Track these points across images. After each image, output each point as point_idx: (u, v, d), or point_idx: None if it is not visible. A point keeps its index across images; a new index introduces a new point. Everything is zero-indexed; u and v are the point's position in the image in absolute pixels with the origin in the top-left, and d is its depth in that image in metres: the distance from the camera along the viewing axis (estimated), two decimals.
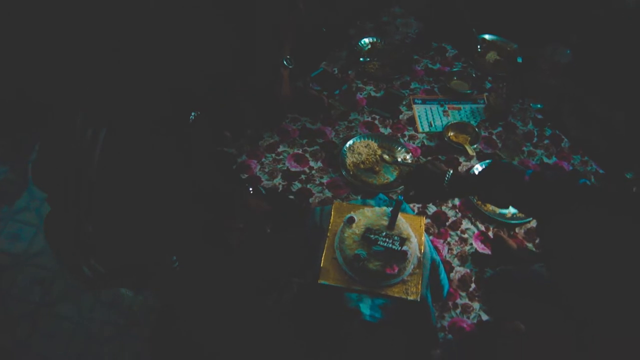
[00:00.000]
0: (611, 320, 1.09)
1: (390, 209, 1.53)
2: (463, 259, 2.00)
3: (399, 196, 1.48)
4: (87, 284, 1.25)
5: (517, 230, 2.09)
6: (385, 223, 1.51)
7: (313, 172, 2.21)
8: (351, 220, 1.53)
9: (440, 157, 2.29)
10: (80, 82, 1.14)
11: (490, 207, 2.13)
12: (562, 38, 2.39)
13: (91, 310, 1.89)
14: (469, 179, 1.42)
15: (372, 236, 1.47)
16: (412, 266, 1.49)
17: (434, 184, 1.43)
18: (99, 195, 1.16)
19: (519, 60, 2.63)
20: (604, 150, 2.32)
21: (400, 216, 1.54)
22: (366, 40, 2.75)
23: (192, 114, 1.42)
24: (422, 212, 2.11)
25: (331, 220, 1.59)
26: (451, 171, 1.43)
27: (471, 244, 2.04)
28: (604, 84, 2.45)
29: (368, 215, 1.55)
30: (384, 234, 1.48)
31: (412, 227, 1.56)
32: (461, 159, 2.28)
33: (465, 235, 2.06)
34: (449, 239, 2.05)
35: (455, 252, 2.02)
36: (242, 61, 1.86)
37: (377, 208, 1.59)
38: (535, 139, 2.41)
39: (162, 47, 1.20)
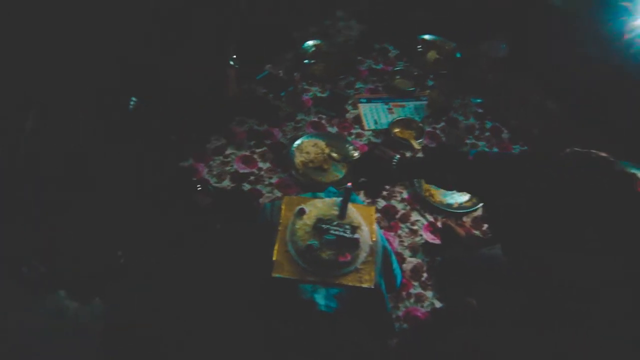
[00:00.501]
0: (565, 289, 1.13)
1: (341, 198, 1.54)
2: (414, 249, 2.04)
3: (348, 184, 1.49)
4: (27, 286, 1.19)
5: (464, 219, 2.14)
6: (336, 213, 1.52)
7: (262, 173, 2.20)
8: (302, 212, 1.53)
9: None
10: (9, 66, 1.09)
11: (438, 198, 2.18)
12: (497, 34, 2.49)
13: (33, 320, 1.79)
14: (415, 162, 1.45)
15: (323, 226, 1.47)
16: (365, 254, 1.50)
17: (383, 168, 1.45)
18: (37, 188, 1.12)
19: (458, 55, 2.72)
20: (539, 135, 2.42)
21: (351, 206, 1.55)
22: (310, 42, 2.78)
23: (132, 100, 1.39)
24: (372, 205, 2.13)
25: (282, 214, 1.58)
26: (398, 155, 1.46)
27: (421, 235, 2.08)
28: (537, 75, 2.57)
29: (319, 205, 1.55)
30: (335, 223, 1.49)
31: (362, 217, 1.57)
32: (407, 154, 2.32)
33: (415, 227, 2.10)
34: (399, 232, 2.08)
35: (406, 244, 2.05)
36: (178, 59, 1.83)
37: (327, 199, 1.59)
38: (477, 132, 2.49)
39: (86, 35, 1.16)
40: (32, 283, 1.15)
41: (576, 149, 1.05)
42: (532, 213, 1.14)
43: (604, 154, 1.04)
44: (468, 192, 2.05)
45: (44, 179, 1.15)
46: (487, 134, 2.49)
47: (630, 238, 1.05)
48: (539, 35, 2.53)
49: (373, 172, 1.50)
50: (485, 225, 2.12)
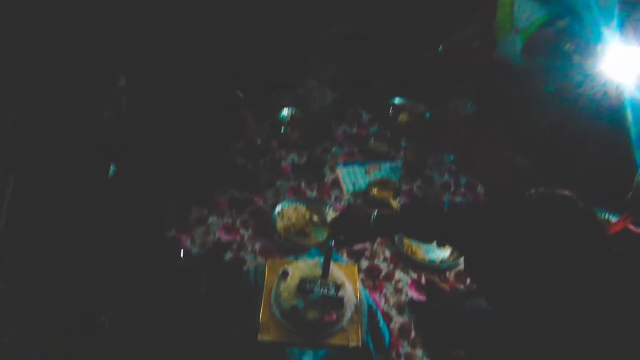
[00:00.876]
0: (553, 331, 1.15)
1: (323, 258, 1.56)
2: (400, 308, 2.03)
3: (330, 242, 1.52)
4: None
5: (447, 274, 2.16)
6: (320, 273, 1.54)
7: (245, 240, 2.22)
8: (286, 274, 1.54)
9: None
10: None
11: (421, 256, 2.20)
12: (463, 93, 2.62)
13: None
14: (392, 217, 1.49)
15: (307, 286, 1.49)
16: (350, 313, 1.51)
17: (361, 225, 1.49)
18: (11, 250, 1.12)
19: (428, 116, 2.84)
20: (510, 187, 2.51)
21: (333, 265, 1.57)
22: (286, 111, 2.88)
23: (112, 168, 1.42)
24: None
25: (266, 278, 1.60)
26: (376, 211, 1.50)
27: (406, 294, 2.08)
28: (505, 132, 2.69)
29: (302, 267, 1.57)
30: (319, 283, 1.50)
31: (346, 276, 1.59)
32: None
33: (400, 286, 2.11)
34: (384, 291, 2.09)
35: (392, 303, 2.05)
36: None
37: (310, 260, 1.62)
38: (453, 189, 2.56)
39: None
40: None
41: (541, 189, 1.10)
42: (505, 261, 1.18)
43: (567, 193, 1.09)
44: (446, 244, 2.08)
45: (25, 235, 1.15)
46: (463, 189, 2.56)
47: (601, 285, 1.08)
48: (501, 94, 2.67)
49: (352, 230, 1.53)
50: (469, 280, 2.14)
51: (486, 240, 1.21)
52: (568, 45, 2.74)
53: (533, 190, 1.13)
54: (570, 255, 1.08)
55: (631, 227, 2.06)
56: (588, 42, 2.64)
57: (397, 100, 3.00)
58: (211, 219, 2.29)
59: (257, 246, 2.19)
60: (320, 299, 1.46)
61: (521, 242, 1.09)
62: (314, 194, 2.46)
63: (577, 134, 2.45)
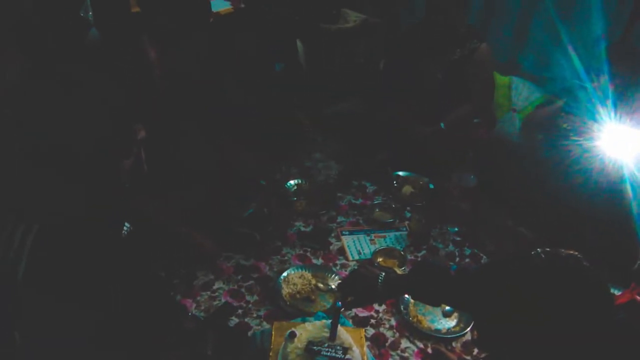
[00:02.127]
0: None
1: (330, 320, 1.56)
2: None
3: (337, 303, 1.53)
4: None
5: (453, 344, 2.14)
6: (327, 334, 1.53)
7: (250, 305, 2.21)
8: (292, 335, 1.54)
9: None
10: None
11: (426, 324, 2.18)
12: (465, 167, 2.70)
13: None
14: (400, 279, 1.51)
15: (315, 347, 1.48)
16: None
17: (369, 286, 1.50)
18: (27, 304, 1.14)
19: (431, 187, 2.91)
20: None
21: (340, 328, 1.57)
22: (292, 182, 2.96)
23: (126, 226, 1.45)
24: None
25: (272, 340, 1.59)
26: (383, 273, 1.52)
27: None
28: (507, 203, 2.75)
29: (309, 328, 1.57)
30: (327, 345, 1.50)
31: (352, 339, 1.59)
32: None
33: (406, 354, 2.08)
34: (390, 359, 2.06)
35: None
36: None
37: (317, 321, 1.62)
38: (457, 259, 2.58)
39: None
40: None
41: (546, 249, 1.13)
42: (512, 324, 1.18)
43: (572, 252, 1.12)
44: (453, 307, 2.07)
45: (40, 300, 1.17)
46: (467, 260, 2.57)
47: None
48: (502, 168, 2.76)
49: (360, 290, 1.54)
50: (476, 350, 2.11)
51: (491, 300, 1.22)
52: (565, 124, 2.85)
53: (538, 250, 1.15)
54: (575, 314, 1.09)
55: (638, 298, 2.07)
56: (584, 120, 2.75)
57: (401, 173, 3.08)
58: (217, 284, 2.30)
59: (263, 312, 2.18)
60: None
61: (526, 301, 1.11)
62: (320, 261, 2.48)
63: (577, 207, 2.50)
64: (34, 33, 2.23)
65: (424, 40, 3.05)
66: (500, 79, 3.59)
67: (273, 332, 1.62)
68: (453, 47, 3.00)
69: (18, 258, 1.12)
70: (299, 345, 1.51)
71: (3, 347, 1.15)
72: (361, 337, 1.63)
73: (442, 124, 3.11)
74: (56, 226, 1.22)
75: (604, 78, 2.59)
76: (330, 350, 1.48)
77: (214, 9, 3.56)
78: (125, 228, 1.45)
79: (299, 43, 3.34)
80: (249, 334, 2.03)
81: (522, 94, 3.57)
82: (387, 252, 2.52)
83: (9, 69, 2.10)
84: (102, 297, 1.34)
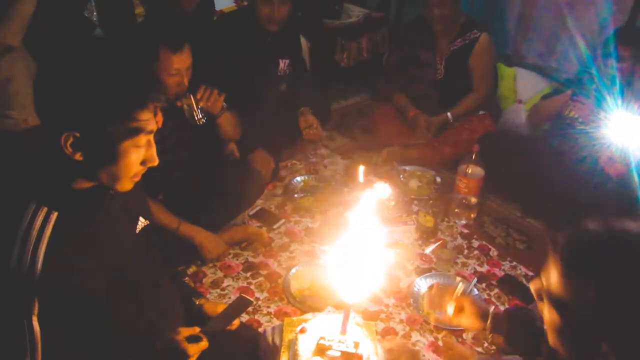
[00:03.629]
0: None
1: (341, 315, 1.56)
2: None
3: (348, 300, 1.53)
4: None
5: (464, 336, 2.14)
6: (338, 329, 1.53)
7: (260, 302, 2.22)
8: (303, 330, 1.54)
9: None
10: None
11: (436, 316, 2.18)
12: (473, 159, 2.69)
13: None
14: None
15: (326, 342, 1.48)
16: None
17: None
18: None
19: (438, 180, 2.90)
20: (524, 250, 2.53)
21: (351, 322, 1.57)
22: (298, 178, 2.97)
23: (140, 221, 1.46)
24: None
25: (283, 335, 1.60)
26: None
27: (424, 355, 2.05)
28: (514, 195, 2.74)
29: (320, 323, 1.57)
30: (337, 339, 1.50)
31: (364, 333, 1.59)
32: (401, 276, 2.38)
33: (417, 348, 2.08)
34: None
35: None
36: None
37: (327, 316, 1.62)
38: (465, 251, 2.57)
39: None
40: None
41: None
42: None
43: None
44: None
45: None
46: (476, 252, 2.57)
47: None
48: (508, 158, 2.75)
49: None
50: (486, 343, 2.11)
51: None
52: (572, 113, 2.84)
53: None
54: None
55: None
56: (591, 108, 2.74)
57: (407, 167, 3.08)
58: (226, 282, 2.31)
59: (273, 308, 2.19)
60: (340, 355, 1.45)
61: None
62: (328, 257, 2.48)
63: (585, 197, 2.49)
64: (40, 34, 2.26)
65: (424, 33, 3.06)
66: (505, 71, 3.58)
67: (284, 328, 1.62)
68: (453, 38, 3.02)
69: (37, 247, 1.13)
70: (310, 340, 1.51)
71: (19, 333, 1.15)
72: (372, 331, 1.63)
73: (448, 114, 3.11)
74: (75, 213, 1.23)
75: (611, 64, 2.57)
76: (341, 344, 1.48)
77: (218, 7, 3.58)
78: (140, 223, 1.46)
79: (302, 39, 3.33)
80: (260, 330, 2.04)
81: (527, 84, 3.55)
82: (395, 246, 2.52)
83: (17, 70, 2.12)
84: (123, 287, 1.36)
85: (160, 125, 1.26)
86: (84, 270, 1.22)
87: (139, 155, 1.23)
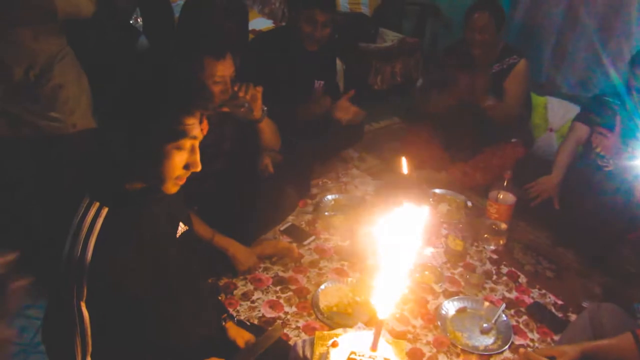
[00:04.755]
0: None
1: (372, 331, 1.59)
2: None
3: (379, 315, 1.55)
4: None
5: None
6: (369, 345, 1.56)
7: (288, 316, 2.26)
8: (335, 344, 1.57)
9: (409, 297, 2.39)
10: None
11: (463, 341, 2.19)
12: (502, 185, 2.70)
13: None
14: None
15: (357, 357, 1.51)
16: None
17: None
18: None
19: (469, 204, 2.92)
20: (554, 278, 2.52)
21: (382, 339, 1.59)
22: (329, 197, 3.01)
23: (180, 226, 1.53)
24: None
25: (314, 349, 1.62)
26: None
27: None
28: (546, 223, 2.73)
29: (351, 338, 1.59)
30: (368, 354, 1.52)
31: (393, 351, 1.61)
32: (428, 298, 2.39)
33: None
34: None
35: None
36: None
37: (358, 332, 1.64)
38: (494, 277, 2.57)
39: None
40: None
41: None
42: None
43: None
44: None
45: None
46: (504, 278, 2.57)
47: None
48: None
49: None
50: None
51: None
52: (598, 148, 2.80)
53: None
54: None
55: None
56: (615, 143, 2.71)
57: (437, 190, 3.10)
58: (256, 295, 2.35)
59: (301, 323, 2.22)
60: None
61: None
62: (357, 274, 2.51)
63: (617, 225, 2.48)
64: (87, 41, 2.38)
65: (463, 56, 3.11)
66: (537, 100, 3.59)
67: (315, 341, 1.65)
68: (492, 62, 3.07)
69: (87, 238, 1.20)
70: (341, 355, 1.54)
71: (70, 320, 1.23)
72: (402, 349, 1.65)
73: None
74: (124, 210, 1.30)
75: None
76: (371, 359, 1.51)
77: (257, 27, 3.68)
78: (180, 228, 1.52)
79: (338, 61, 3.41)
80: (290, 342, 2.07)
81: (559, 113, 3.56)
82: (424, 268, 2.53)
83: (68, 78, 2.22)
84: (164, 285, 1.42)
85: (205, 132, 1.33)
86: (128, 263, 1.30)
87: (182, 159, 1.31)
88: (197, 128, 1.30)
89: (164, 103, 1.24)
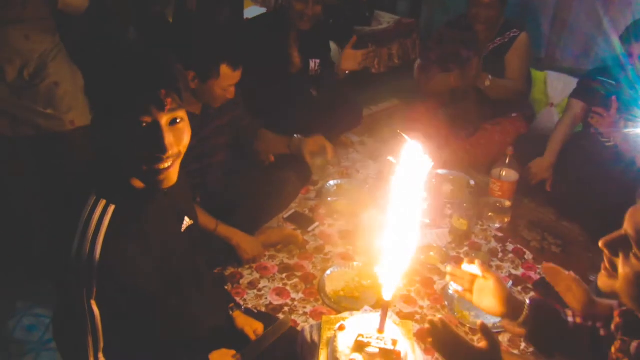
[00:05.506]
0: None
1: (379, 313, 1.59)
2: None
3: (385, 297, 1.55)
4: None
5: (500, 339, 2.13)
6: (376, 326, 1.56)
7: (295, 303, 2.26)
8: (342, 328, 1.57)
9: (415, 278, 2.39)
10: None
11: (471, 319, 2.19)
12: (505, 162, 2.69)
13: None
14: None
15: (364, 339, 1.51)
16: None
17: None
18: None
19: (472, 183, 2.90)
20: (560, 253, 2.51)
21: (389, 320, 1.59)
22: (332, 182, 3.01)
23: (185, 221, 1.53)
24: None
25: (322, 333, 1.63)
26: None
27: None
28: (550, 198, 2.72)
29: (358, 321, 1.59)
30: (376, 336, 1.52)
31: (401, 332, 1.61)
32: (435, 278, 2.39)
33: None
34: (436, 355, 2.06)
35: None
36: None
37: (365, 314, 1.64)
38: (500, 254, 2.57)
39: None
40: None
41: None
42: None
43: None
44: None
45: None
46: (510, 255, 2.56)
47: None
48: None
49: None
50: (523, 345, 2.11)
51: None
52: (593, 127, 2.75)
53: None
54: None
55: None
56: (611, 122, 2.67)
57: (440, 171, 3.08)
58: (262, 283, 2.35)
59: (308, 309, 2.22)
60: (378, 352, 1.47)
61: None
62: (363, 258, 2.50)
63: (622, 198, 2.46)
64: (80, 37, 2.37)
65: (466, 31, 3.07)
66: (536, 75, 3.56)
67: (322, 326, 1.65)
68: (493, 37, 3.03)
69: (95, 236, 1.20)
70: (349, 337, 1.54)
71: (81, 318, 1.23)
72: (409, 330, 1.65)
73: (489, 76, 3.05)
74: (131, 207, 1.29)
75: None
76: (380, 341, 1.50)
77: (251, 15, 3.64)
78: (185, 222, 1.52)
79: (333, 45, 3.38)
80: (299, 328, 2.07)
81: (559, 87, 3.53)
82: (428, 249, 2.53)
83: (63, 75, 2.21)
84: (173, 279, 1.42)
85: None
86: (136, 260, 1.29)
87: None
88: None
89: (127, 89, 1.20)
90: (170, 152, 1.24)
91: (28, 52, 2.11)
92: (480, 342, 1.35)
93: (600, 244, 1.16)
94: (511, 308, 1.46)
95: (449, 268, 1.63)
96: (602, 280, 1.19)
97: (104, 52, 1.35)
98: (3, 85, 2.09)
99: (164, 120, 1.22)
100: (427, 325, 1.47)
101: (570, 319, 1.40)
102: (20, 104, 2.14)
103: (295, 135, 2.66)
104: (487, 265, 2.42)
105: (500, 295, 1.47)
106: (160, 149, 1.22)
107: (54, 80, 2.19)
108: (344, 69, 3.05)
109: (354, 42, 3.03)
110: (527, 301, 1.44)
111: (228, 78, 2.15)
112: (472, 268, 1.56)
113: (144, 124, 1.20)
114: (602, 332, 1.35)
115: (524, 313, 1.43)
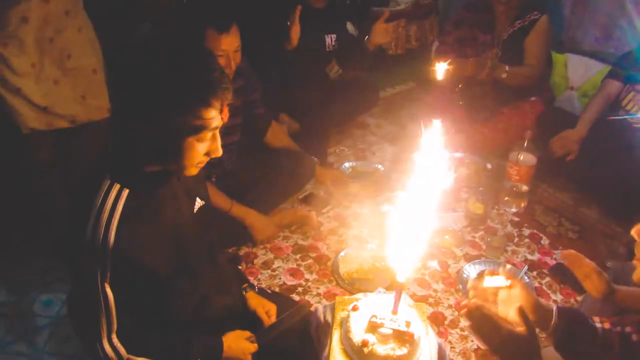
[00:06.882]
0: None
1: (393, 294, 1.59)
2: (467, 355, 2.01)
3: (398, 278, 1.54)
4: None
5: None
6: (390, 308, 1.56)
7: (309, 284, 2.27)
8: (355, 308, 1.57)
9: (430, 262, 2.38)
10: None
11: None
12: (523, 146, 2.65)
13: None
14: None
15: (378, 320, 1.51)
16: (420, 349, 1.51)
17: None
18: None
19: (488, 166, 2.87)
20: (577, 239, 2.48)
21: (403, 302, 1.59)
22: (347, 164, 3.00)
23: (197, 201, 1.53)
24: None
25: (335, 313, 1.63)
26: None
27: (472, 340, 2.05)
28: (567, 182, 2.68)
29: (371, 302, 1.59)
30: (389, 317, 1.52)
31: (415, 313, 1.61)
32: (449, 262, 2.38)
33: (465, 332, 2.08)
34: (449, 338, 2.07)
35: (457, 350, 2.02)
36: None
37: (379, 295, 1.64)
38: (516, 239, 2.54)
39: None
40: None
41: None
42: None
43: None
44: None
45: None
46: (526, 240, 2.54)
47: None
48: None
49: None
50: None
51: None
52: (629, 105, 2.72)
53: None
54: None
55: None
56: None
57: (457, 154, 3.05)
58: (276, 263, 2.36)
59: (322, 290, 2.23)
60: (392, 333, 1.47)
61: None
62: (376, 241, 2.50)
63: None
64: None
65: (484, 14, 3.01)
66: (557, 58, 3.48)
67: (336, 306, 1.65)
68: (512, 20, 2.96)
69: (110, 220, 1.20)
70: (362, 318, 1.54)
71: (95, 301, 1.25)
72: (423, 312, 1.64)
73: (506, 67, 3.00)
74: (144, 191, 1.30)
75: None
76: (393, 322, 1.50)
77: None
78: (197, 203, 1.52)
79: (350, 25, 3.33)
80: (312, 309, 2.08)
81: (579, 70, 3.45)
82: (444, 233, 2.52)
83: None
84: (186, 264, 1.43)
85: (226, 120, 1.28)
86: (149, 243, 1.30)
87: (203, 148, 1.28)
88: (217, 119, 1.24)
89: (182, 97, 1.19)
90: None
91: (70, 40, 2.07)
92: (519, 327, 1.31)
93: (633, 232, 1.12)
94: (540, 316, 1.35)
95: (470, 283, 1.57)
96: (638, 274, 1.15)
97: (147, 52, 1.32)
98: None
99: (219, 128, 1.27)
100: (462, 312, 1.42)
101: (598, 324, 1.36)
102: (59, 92, 2.09)
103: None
104: (502, 250, 2.42)
105: (528, 304, 1.36)
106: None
107: (92, 67, 2.17)
108: (375, 43, 3.01)
109: (387, 16, 2.98)
110: (554, 308, 1.35)
111: (217, 42, 2.08)
112: (496, 281, 1.45)
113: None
114: (634, 338, 1.30)
115: (553, 320, 1.34)
